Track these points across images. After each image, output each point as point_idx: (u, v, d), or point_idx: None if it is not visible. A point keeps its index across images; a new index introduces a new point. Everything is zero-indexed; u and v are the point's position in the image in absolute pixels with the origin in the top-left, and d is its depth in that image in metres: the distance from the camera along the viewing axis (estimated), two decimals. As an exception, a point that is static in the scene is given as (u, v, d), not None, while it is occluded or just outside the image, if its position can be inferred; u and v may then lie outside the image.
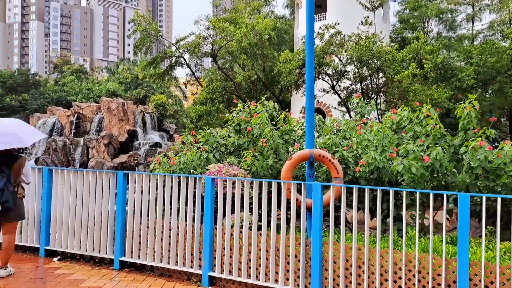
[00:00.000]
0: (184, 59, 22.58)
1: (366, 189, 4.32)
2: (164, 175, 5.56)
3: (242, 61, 18.05)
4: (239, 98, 22.35)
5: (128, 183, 5.84)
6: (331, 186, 4.62)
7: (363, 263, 4.31)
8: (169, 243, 5.39)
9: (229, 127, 7.68)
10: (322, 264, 4.47)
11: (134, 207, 5.69)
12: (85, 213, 5.98)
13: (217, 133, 7.86)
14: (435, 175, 5.99)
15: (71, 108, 31.17)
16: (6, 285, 4.90)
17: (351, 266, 4.37)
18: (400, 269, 4.18)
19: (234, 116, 7.57)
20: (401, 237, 6.15)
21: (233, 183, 5.24)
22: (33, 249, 6.35)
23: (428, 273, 4.05)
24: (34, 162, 26.72)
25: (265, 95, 8.16)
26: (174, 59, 22.47)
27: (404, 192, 4.21)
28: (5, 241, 5.21)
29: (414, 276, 4.12)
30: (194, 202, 5.35)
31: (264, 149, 6.80)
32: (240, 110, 7.52)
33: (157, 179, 5.59)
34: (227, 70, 21.56)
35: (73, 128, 30.27)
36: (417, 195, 4.14)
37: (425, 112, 6.56)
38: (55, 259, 6.06)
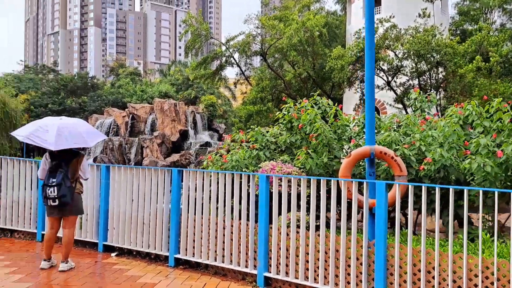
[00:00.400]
0: (234, 59, 22.67)
1: (437, 188, 3.97)
2: (218, 173, 5.48)
3: (292, 58, 17.79)
4: (288, 96, 22.12)
5: (182, 181, 5.82)
6: (396, 185, 4.29)
7: (433, 268, 3.96)
8: (223, 242, 5.29)
9: (280, 125, 7.48)
10: (387, 268, 4.16)
11: (188, 204, 5.65)
12: (141, 210, 6.02)
13: (267, 132, 7.71)
14: (510, 173, 5.46)
15: (126, 109, 32.39)
16: (67, 279, 5.01)
17: (419, 271, 4.03)
18: (476, 275, 3.79)
19: (285, 114, 7.36)
20: (471, 240, 5.71)
21: (289, 181, 5.04)
22: (92, 244, 6.50)
23: (509, 281, 3.64)
24: (92, 161, 27.99)
25: (317, 93, 7.88)
26: (224, 59, 22.61)
27: (481, 192, 3.81)
28: (65, 236, 5.35)
29: (492, 284, 3.71)
30: (248, 200, 5.21)
31: (317, 146, 6.54)
32: (291, 107, 7.30)
33: (210, 176, 5.51)
34: (276, 69, 21.39)
35: (128, 128, 31.41)
36: (496, 194, 3.74)
37: (495, 106, 6.01)
38: (113, 254, 6.16)
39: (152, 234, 5.89)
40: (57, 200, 4.99)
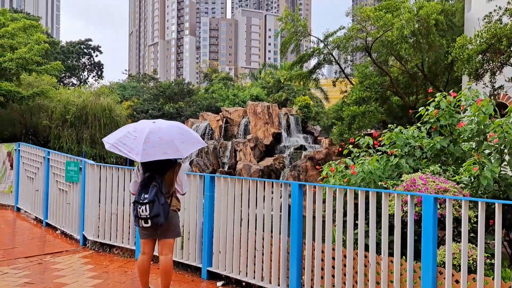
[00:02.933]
0: (333, 56, 21.08)
1: None
2: (354, 189, 4.10)
3: (404, 51, 15.70)
4: (395, 94, 19.91)
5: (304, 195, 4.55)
6: None
7: None
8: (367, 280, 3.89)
9: (425, 124, 5.83)
10: None
11: (314, 229, 4.35)
12: (252, 231, 4.87)
13: (402, 133, 6.10)
14: None
15: (220, 113, 32.44)
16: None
17: None
18: None
19: (429, 110, 5.72)
20: None
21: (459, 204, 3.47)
22: (194, 268, 5.52)
23: None
24: (188, 164, 28.27)
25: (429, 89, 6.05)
26: (322, 56, 21.13)
27: None
28: (162, 264, 4.32)
29: None
30: (403, 227, 3.75)
31: (495, 152, 4.81)
32: (440, 101, 5.61)
33: (346, 193, 4.15)
34: (381, 65, 19.35)
35: (222, 132, 31.38)
36: None
37: None
38: (219, 284, 5.10)
39: (267, 264, 4.70)
40: (149, 221, 4.02)
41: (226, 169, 28.12)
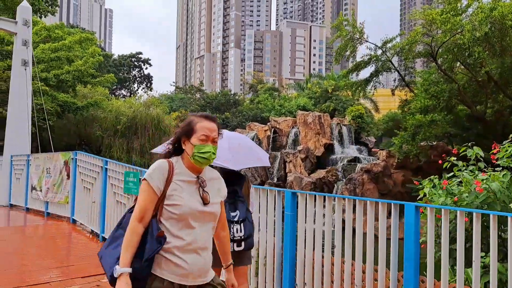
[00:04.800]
0: (392, 63, 19.88)
1: None
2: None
3: (478, 55, 14.34)
4: (462, 103, 18.39)
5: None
6: None
7: None
8: None
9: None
10: None
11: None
12: (348, 261, 4.01)
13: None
14: None
15: (268, 123, 31.82)
16: None
17: None
18: None
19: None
20: None
21: None
22: (272, 300, 4.71)
23: None
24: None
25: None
26: (379, 63, 19.99)
27: None
28: None
29: None
30: None
31: None
32: None
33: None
34: (446, 71, 17.96)
35: (270, 142, 30.69)
36: None
37: None
38: (305, 322, 4.25)
39: (369, 303, 3.80)
40: (243, 243, 3.38)
41: (275, 181, 27.33)
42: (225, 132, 3.63)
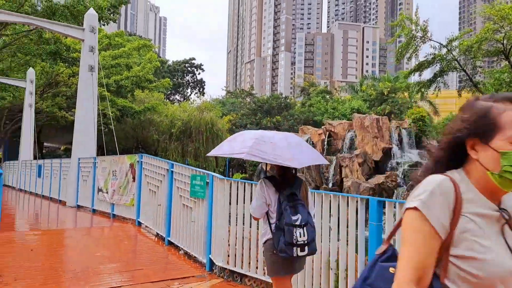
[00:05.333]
0: (458, 62, 18.68)
1: None
2: None
3: None
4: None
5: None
6: None
7: None
8: None
9: None
10: None
11: None
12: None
13: None
14: None
15: (322, 127, 31.13)
16: None
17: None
18: None
19: None
20: None
21: None
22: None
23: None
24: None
25: None
26: (444, 63, 18.86)
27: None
28: None
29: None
30: None
31: None
32: None
33: None
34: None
35: (324, 146, 29.99)
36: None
37: None
38: None
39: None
40: (306, 248, 3.25)
41: (330, 186, 26.62)
42: (273, 132, 3.57)
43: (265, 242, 3.44)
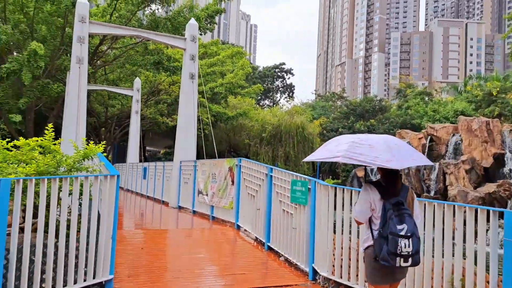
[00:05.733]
0: None
1: None
2: None
3: None
4: None
5: None
6: None
7: None
8: None
9: None
10: None
11: None
12: None
13: None
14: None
15: (423, 130, 29.15)
16: None
17: None
18: None
19: None
20: None
21: None
22: None
23: None
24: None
25: None
26: None
27: None
28: None
29: None
30: None
31: None
32: None
33: None
34: None
35: (425, 151, 27.99)
36: None
37: None
38: None
39: None
40: (410, 259, 3.18)
41: (432, 194, 24.73)
42: (369, 134, 3.47)
43: (366, 248, 3.41)
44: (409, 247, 3.13)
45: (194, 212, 12.11)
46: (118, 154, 40.97)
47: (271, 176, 7.50)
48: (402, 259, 3.14)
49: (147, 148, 52.28)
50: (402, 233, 3.14)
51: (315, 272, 5.87)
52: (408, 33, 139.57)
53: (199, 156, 20.46)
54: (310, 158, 3.58)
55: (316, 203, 5.95)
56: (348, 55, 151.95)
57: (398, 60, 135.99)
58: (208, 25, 27.14)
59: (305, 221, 6.21)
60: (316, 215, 5.95)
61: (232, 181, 9.37)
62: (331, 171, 46.12)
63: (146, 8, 24.44)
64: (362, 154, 3.18)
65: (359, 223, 3.55)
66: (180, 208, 13.49)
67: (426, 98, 54.98)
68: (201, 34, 27.90)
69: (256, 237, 8.06)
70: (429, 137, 27.91)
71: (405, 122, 49.26)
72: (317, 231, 5.89)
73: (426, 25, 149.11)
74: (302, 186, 6.38)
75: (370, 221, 3.37)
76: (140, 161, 25.75)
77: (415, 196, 3.49)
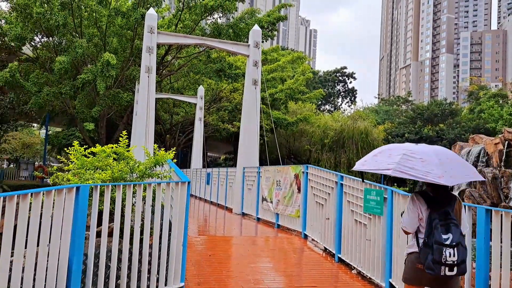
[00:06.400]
0: None
1: None
2: None
3: None
4: None
5: None
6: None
7: None
8: None
9: None
10: None
11: None
12: None
13: None
14: None
15: (500, 135, 26.98)
16: None
17: None
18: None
19: None
20: None
21: None
22: None
23: None
24: (457, 195, 24.26)
25: None
26: None
27: None
28: None
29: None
30: None
31: None
32: None
33: None
34: None
35: (503, 157, 25.86)
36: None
37: None
38: None
39: None
40: (455, 268, 3.20)
41: (511, 204, 22.74)
42: (422, 145, 3.43)
43: (410, 253, 3.45)
44: (454, 256, 3.18)
45: (258, 219, 11.98)
46: (182, 160, 42.29)
47: (342, 184, 7.16)
48: (447, 268, 3.19)
49: (208, 154, 53.52)
50: (447, 242, 3.20)
51: (392, 287, 5.46)
52: (479, 32, 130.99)
53: (261, 162, 20.43)
54: (359, 167, 3.49)
55: (393, 214, 5.55)
56: (414, 57, 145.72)
57: (468, 61, 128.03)
58: (270, 32, 27.19)
59: (380, 232, 5.82)
60: (393, 227, 5.55)
61: (299, 189, 9.11)
62: (398, 178, 44.30)
63: (208, 17, 25.01)
64: (413, 168, 3.21)
65: (407, 233, 3.55)
66: (243, 214, 13.44)
67: (501, 101, 51.13)
68: (262, 41, 28.06)
69: (325, 247, 7.73)
70: (506, 142, 25.76)
71: (478, 127, 46.16)
72: (394, 243, 5.48)
73: (499, 23, 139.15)
74: (377, 196, 5.99)
75: (417, 229, 3.42)
76: (203, 166, 26.28)
77: (462, 206, 3.50)
